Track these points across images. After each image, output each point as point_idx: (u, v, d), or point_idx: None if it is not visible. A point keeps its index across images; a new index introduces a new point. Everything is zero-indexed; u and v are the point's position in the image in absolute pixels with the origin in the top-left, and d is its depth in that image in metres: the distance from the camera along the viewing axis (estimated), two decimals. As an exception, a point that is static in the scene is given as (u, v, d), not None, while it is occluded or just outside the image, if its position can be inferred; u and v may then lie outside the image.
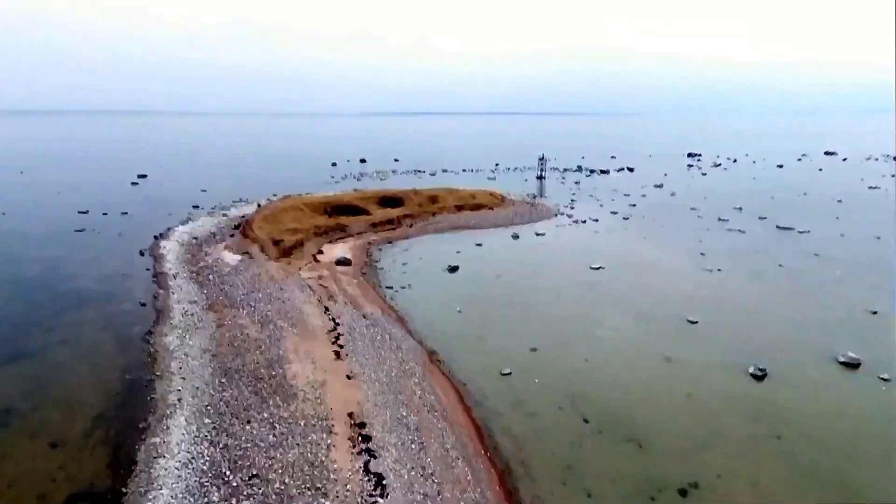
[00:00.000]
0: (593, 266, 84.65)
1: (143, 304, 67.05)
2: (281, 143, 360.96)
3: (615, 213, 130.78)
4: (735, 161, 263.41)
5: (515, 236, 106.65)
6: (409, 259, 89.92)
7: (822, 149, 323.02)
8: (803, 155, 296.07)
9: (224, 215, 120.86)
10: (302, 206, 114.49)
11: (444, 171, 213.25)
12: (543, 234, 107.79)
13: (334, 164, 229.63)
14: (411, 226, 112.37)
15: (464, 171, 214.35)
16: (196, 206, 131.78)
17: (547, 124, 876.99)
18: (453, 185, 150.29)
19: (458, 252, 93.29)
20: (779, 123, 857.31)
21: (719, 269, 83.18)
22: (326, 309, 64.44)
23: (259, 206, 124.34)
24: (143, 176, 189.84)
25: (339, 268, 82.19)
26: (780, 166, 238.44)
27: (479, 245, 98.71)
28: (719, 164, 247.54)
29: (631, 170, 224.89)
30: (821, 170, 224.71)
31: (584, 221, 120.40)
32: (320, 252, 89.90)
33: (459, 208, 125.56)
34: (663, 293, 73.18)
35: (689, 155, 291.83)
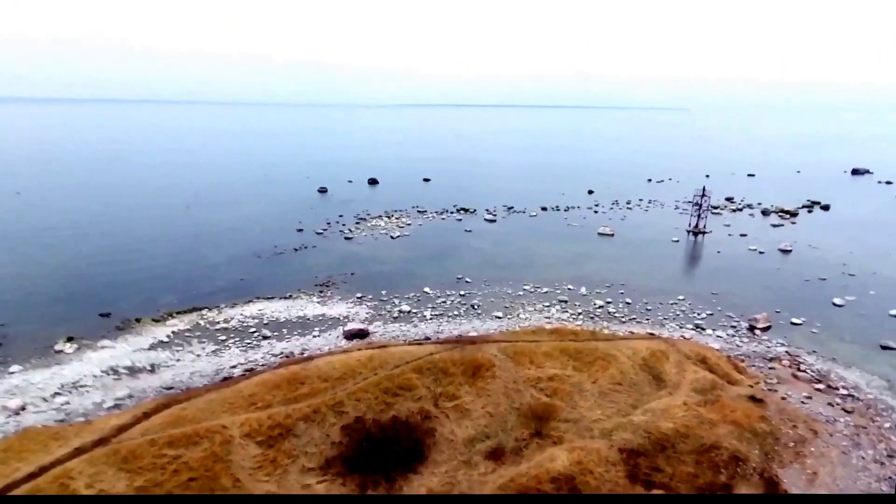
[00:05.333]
0: None
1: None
2: (271, 149, 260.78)
3: None
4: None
5: None
6: None
7: None
8: None
9: None
10: None
11: (510, 209, 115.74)
12: None
13: (323, 191, 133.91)
14: None
15: (544, 209, 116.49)
16: None
17: (584, 119, 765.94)
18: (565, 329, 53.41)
19: None
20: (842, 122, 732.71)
21: None
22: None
23: None
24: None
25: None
26: None
27: None
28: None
29: (825, 208, 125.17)
30: None
31: None
32: None
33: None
34: None
35: (855, 172, 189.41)
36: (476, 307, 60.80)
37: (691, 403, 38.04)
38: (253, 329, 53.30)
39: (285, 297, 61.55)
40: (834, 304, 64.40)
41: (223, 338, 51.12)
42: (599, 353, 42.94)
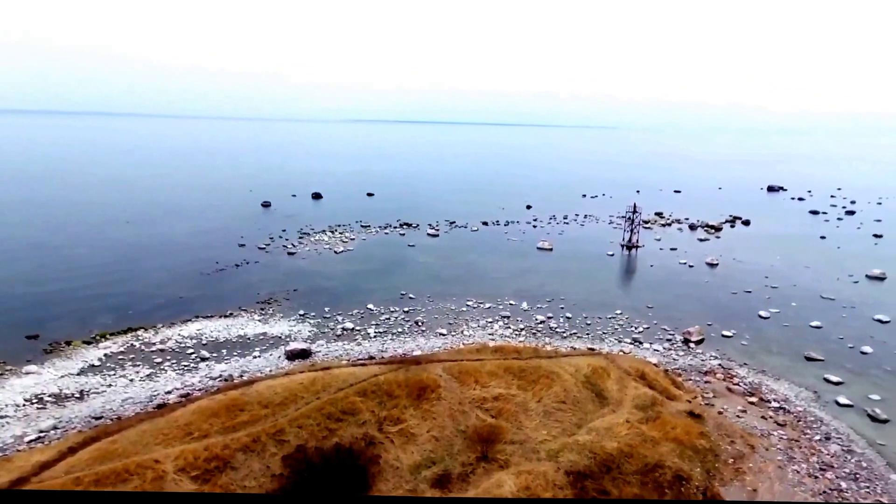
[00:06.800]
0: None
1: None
2: (214, 162, 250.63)
3: None
4: (880, 203, 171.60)
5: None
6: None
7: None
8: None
9: None
10: None
11: (453, 224, 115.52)
12: None
13: (266, 206, 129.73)
14: None
15: (485, 224, 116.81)
16: None
17: (519, 136, 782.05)
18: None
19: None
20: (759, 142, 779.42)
21: None
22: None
23: None
24: None
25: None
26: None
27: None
28: (851, 212, 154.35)
29: (746, 222, 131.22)
30: None
31: None
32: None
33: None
34: None
35: (771, 189, 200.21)
36: (420, 324, 59.53)
37: (633, 421, 38.02)
38: (191, 350, 50.05)
39: (225, 316, 58.37)
40: (760, 317, 66.76)
41: (159, 360, 47.72)
42: (543, 370, 42.51)
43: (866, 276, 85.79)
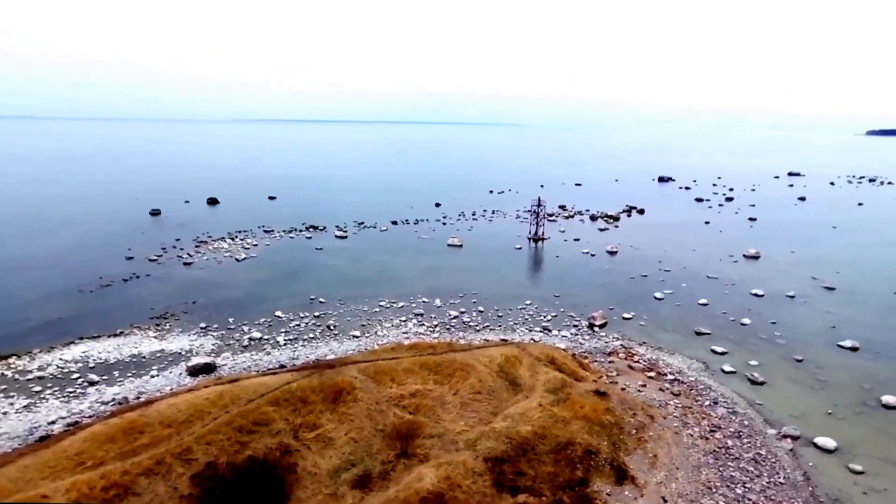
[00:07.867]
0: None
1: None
2: (93, 168, 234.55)
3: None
4: (753, 189, 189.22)
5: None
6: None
7: (773, 167, 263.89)
8: (776, 176, 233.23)
9: None
10: None
11: (361, 224, 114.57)
12: None
13: (155, 214, 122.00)
14: None
15: (394, 223, 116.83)
16: None
17: (423, 134, 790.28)
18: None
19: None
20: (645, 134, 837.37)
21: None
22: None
23: None
24: None
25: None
26: (863, 199, 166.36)
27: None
28: (730, 198, 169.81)
29: (641, 212, 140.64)
30: None
31: None
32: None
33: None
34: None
35: (661, 180, 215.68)
36: (332, 328, 58.74)
37: (545, 404, 39.87)
38: (76, 374, 46.25)
39: (115, 335, 54.45)
40: (655, 298, 72.00)
41: (38, 388, 43.67)
42: (458, 364, 43.50)
43: (744, 255, 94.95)
